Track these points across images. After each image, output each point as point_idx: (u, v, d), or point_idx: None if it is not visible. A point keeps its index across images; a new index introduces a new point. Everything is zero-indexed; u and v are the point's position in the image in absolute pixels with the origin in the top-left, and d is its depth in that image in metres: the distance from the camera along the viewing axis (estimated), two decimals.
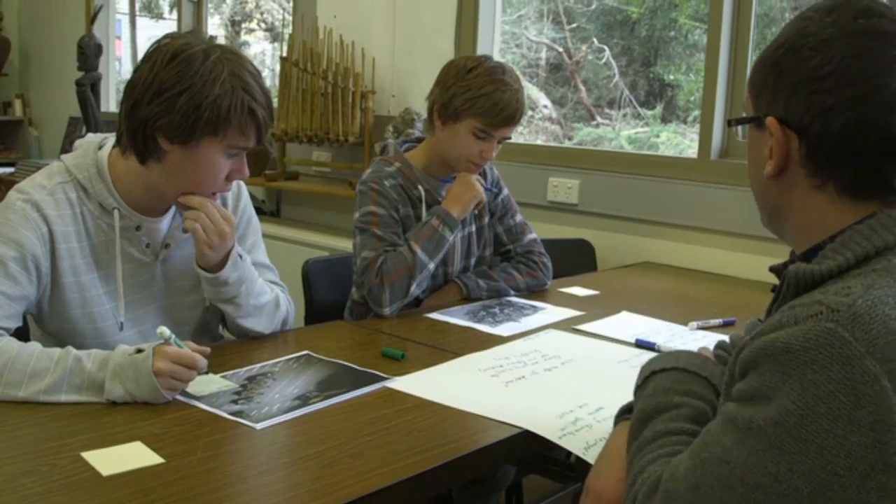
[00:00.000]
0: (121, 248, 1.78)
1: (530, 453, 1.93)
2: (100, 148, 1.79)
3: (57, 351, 1.55)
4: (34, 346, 1.56)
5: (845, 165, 1.03)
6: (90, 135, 1.86)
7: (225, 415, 1.50)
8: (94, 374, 1.52)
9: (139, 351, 1.53)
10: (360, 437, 1.44)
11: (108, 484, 1.23)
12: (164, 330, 1.56)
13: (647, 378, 1.25)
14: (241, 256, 1.85)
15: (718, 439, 0.98)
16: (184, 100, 1.62)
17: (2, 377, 1.50)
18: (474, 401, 1.62)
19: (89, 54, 5.24)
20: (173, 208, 1.85)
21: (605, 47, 4.06)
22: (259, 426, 1.46)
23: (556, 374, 1.83)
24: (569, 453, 1.53)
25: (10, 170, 5.14)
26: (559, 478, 2.17)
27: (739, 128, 1.18)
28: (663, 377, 1.22)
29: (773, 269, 1.16)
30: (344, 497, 1.23)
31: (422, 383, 1.71)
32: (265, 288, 1.95)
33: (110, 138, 1.80)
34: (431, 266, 2.27)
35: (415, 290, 2.24)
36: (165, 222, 1.85)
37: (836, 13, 1.04)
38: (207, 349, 1.62)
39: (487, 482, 2.37)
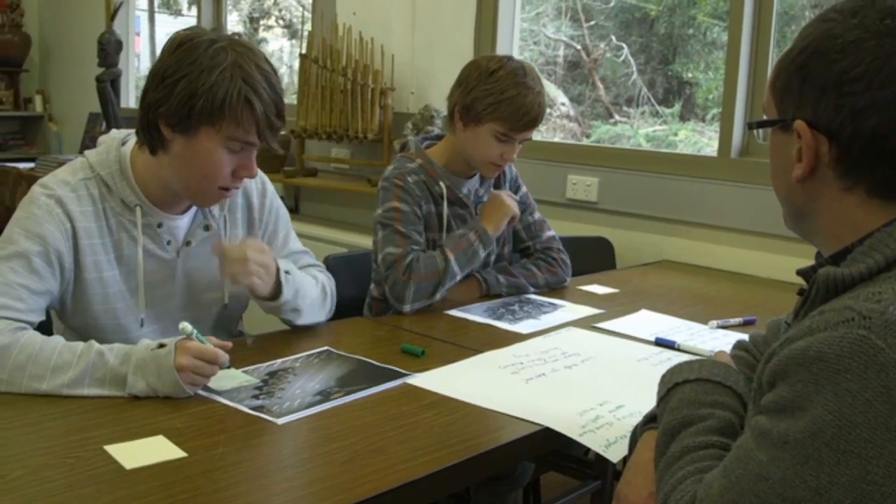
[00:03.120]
0: (142, 244, 1.79)
1: (549, 450, 1.93)
2: (123, 144, 1.80)
3: (79, 345, 1.56)
4: (57, 340, 1.57)
5: (877, 167, 1.02)
6: (114, 131, 1.86)
7: (246, 409, 1.51)
8: (116, 368, 1.53)
9: (161, 346, 1.54)
10: (381, 433, 1.44)
11: (131, 477, 1.24)
12: (186, 325, 1.57)
13: (670, 389, 1.24)
14: (287, 272, 1.85)
15: (753, 455, 0.96)
16: (181, 86, 1.63)
17: (25, 370, 1.51)
18: (494, 398, 1.63)
19: (109, 51, 5.25)
20: (195, 206, 1.86)
21: (624, 45, 4.05)
22: (280, 421, 1.47)
23: (576, 371, 1.83)
24: (587, 450, 1.53)
25: (31, 165, 5.16)
26: (577, 475, 2.16)
27: (760, 130, 1.16)
28: (687, 389, 1.21)
29: (800, 273, 1.14)
30: (365, 493, 1.24)
31: (442, 380, 1.72)
32: (310, 281, 1.97)
33: (134, 134, 1.81)
34: (459, 277, 2.28)
35: (438, 295, 2.25)
36: (186, 220, 1.86)
37: (861, 14, 1.02)
38: (229, 344, 1.63)
39: (506, 479, 2.37)
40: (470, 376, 1.76)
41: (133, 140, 1.79)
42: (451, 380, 1.72)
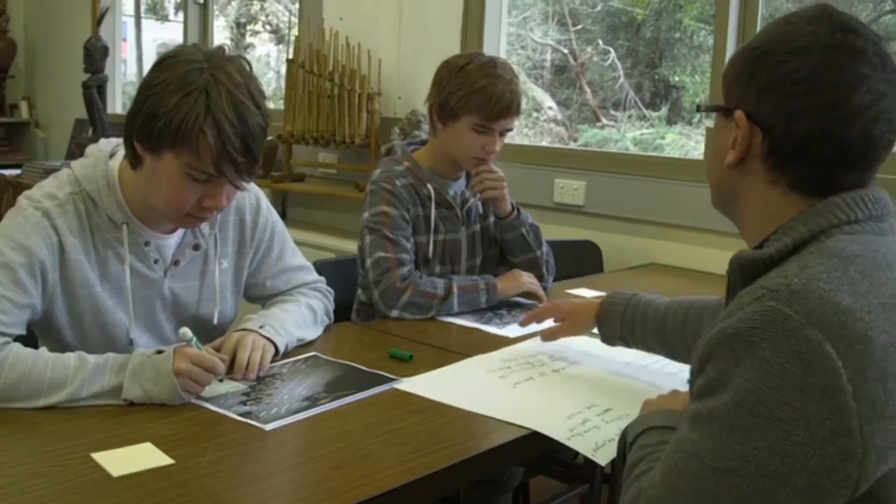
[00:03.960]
0: (129, 263, 1.75)
1: (538, 454, 1.93)
2: (111, 156, 1.75)
3: (71, 358, 1.54)
4: (46, 355, 1.54)
5: (800, 166, 1.10)
6: (102, 141, 1.82)
7: (234, 416, 1.51)
8: (112, 379, 1.52)
9: (159, 352, 1.54)
10: (368, 439, 1.44)
11: (118, 485, 1.23)
12: (187, 331, 1.57)
13: (630, 444, 1.29)
14: (267, 327, 1.82)
15: (687, 437, 1.02)
16: (148, 104, 1.57)
17: (19, 388, 1.49)
18: (482, 402, 1.63)
19: (96, 56, 5.24)
20: None
21: (611, 49, 4.07)
22: (268, 427, 1.47)
23: (564, 375, 1.83)
24: (575, 454, 1.53)
25: (17, 171, 5.13)
26: (566, 479, 2.16)
27: (709, 115, 1.24)
28: (636, 445, 1.26)
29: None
30: (353, 498, 1.24)
31: (430, 385, 1.72)
32: (297, 310, 1.95)
33: (122, 146, 1.77)
34: (455, 311, 2.27)
35: (429, 315, 2.25)
36: (175, 238, 1.82)
37: (816, 23, 1.09)
38: (226, 356, 1.64)
39: (495, 484, 2.37)
40: (458, 381, 1.76)
41: (121, 152, 1.75)
42: (438, 384, 1.72)
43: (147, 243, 1.77)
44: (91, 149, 1.79)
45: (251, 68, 1.67)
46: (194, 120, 1.54)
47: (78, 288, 1.70)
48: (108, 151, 1.77)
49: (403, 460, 1.37)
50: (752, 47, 1.15)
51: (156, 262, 1.80)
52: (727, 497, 0.96)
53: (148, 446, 1.36)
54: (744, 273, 1.10)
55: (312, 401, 1.60)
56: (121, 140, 1.77)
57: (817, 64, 1.07)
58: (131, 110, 1.62)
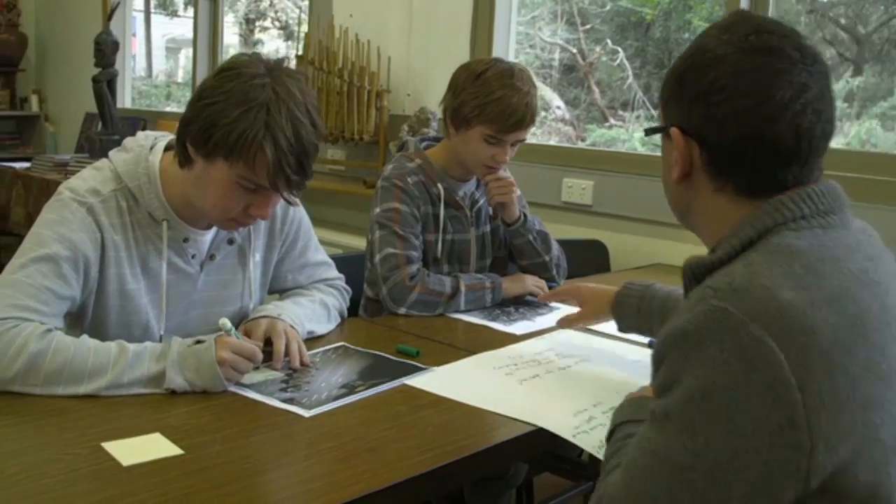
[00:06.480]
0: (167, 259, 1.78)
1: (542, 451, 1.94)
2: (151, 148, 1.77)
3: (112, 346, 1.57)
4: (87, 343, 1.57)
5: (741, 171, 1.13)
6: (140, 134, 1.83)
7: (276, 403, 1.56)
8: (154, 366, 1.55)
9: (199, 342, 1.57)
10: (375, 433, 1.45)
11: (128, 474, 1.25)
12: (226, 322, 1.61)
13: (608, 438, 1.31)
14: (284, 315, 1.85)
15: (645, 434, 1.04)
16: (207, 112, 1.59)
17: (61, 375, 1.51)
18: (489, 398, 1.64)
19: (106, 51, 5.25)
20: None
21: (619, 49, 4.07)
22: (308, 414, 1.52)
23: (570, 372, 1.84)
24: (580, 452, 1.54)
25: (27, 165, 5.16)
26: (571, 476, 2.18)
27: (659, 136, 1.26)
28: (612, 438, 1.27)
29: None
30: (359, 491, 1.24)
31: (437, 380, 1.73)
32: (311, 305, 1.98)
33: (161, 139, 1.79)
34: (462, 309, 2.29)
35: (436, 312, 2.26)
36: (211, 234, 1.84)
37: (731, 30, 1.14)
38: (261, 344, 1.69)
39: (500, 480, 2.38)
40: (465, 377, 1.77)
41: (160, 145, 1.77)
42: (445, 380, 1.73)
43: (186, 239, 1.79)
44: (130, 143, 1.80)
45: (307, 80, 1.69)
46: (253, 136, 1.56)
47: (110, 285, 1.72)
48: (148, 147, 1.78)
49: (410, 455, 1.38)
50: (678, 63, 1.19)
51: (193, 256, 1.82)
52: (683, 493, 0.98)
53: (157, 436, 1.37)
54: (696, 277, 1.13)
55: (350, 388, 1.64)
56: (159, 133, 1.79)
57: (735, 69, 1.10)
58: (188, 114, 1.64)
